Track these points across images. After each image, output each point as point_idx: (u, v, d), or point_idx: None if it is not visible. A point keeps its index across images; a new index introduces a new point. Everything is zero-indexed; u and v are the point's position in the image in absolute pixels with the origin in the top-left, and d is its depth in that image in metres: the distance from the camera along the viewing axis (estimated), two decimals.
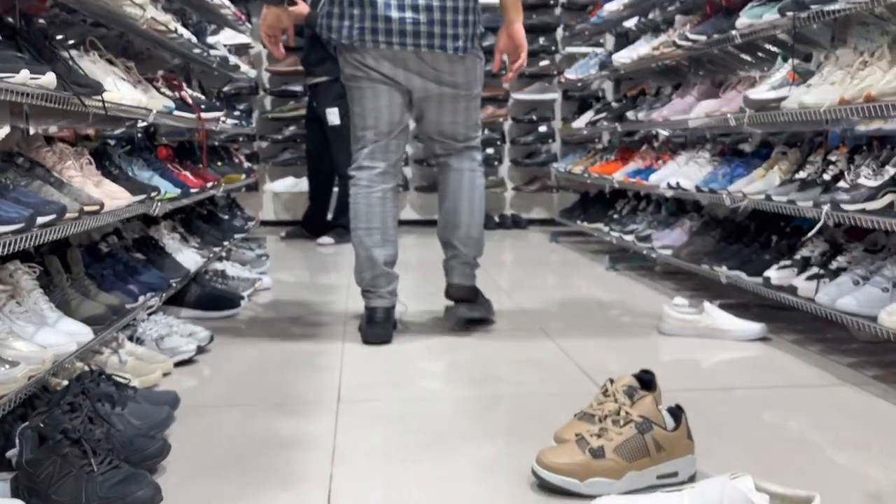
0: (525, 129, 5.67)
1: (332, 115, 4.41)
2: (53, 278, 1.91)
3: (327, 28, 2.36)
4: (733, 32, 2.70)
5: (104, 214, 1.93)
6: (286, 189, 5.42)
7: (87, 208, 1.80)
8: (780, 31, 2.49)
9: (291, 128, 5.35)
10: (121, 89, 2.17)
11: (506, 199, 5.82)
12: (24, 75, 1.49)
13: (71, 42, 3.02)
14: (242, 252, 3.79)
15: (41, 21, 1.84)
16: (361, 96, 2.42)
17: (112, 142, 2.91)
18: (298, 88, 5.26)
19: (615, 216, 3.98)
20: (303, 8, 4.43)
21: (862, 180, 2.13)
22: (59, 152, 1.95)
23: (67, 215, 1.67)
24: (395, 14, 2.28)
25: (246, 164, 4.27)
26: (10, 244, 1.46)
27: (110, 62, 2.37)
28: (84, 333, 1.77)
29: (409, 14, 2.29)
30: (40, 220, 1.55)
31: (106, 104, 1.94)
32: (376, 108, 2.41)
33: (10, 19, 1.76)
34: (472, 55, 2.40)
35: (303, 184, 5.15)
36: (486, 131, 5.55)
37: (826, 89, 2.24)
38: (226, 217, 3.83)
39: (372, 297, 2.45)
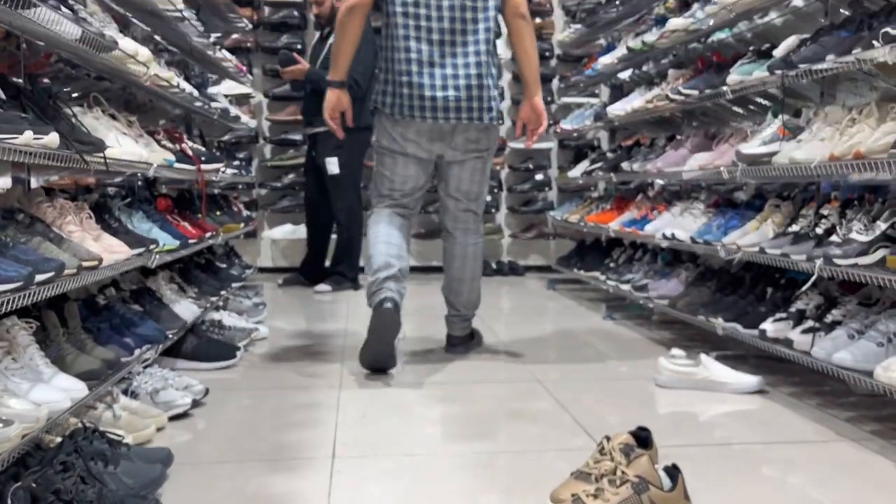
0: (522, 177, 5.74)
1: (332, 165, 4.47)
2: (50, 333, 1.91)
3: (382, 104, 2.77)
4: (724, 88, 2.76)
5: (103, 269, 1.94)
6: (284, 236, 5.45)
7: (85, 264, 1.82)
8: (769, 87, 2.55)
9: (290, 175, 5.41)
10: (122, 144, 2.20)
11: (503, 245, 5.85)
12: (27, 136, 1.52)
13: (75, 96, 3.10)
14: (239, 301, 3.79)
15: (45, 80, 1.87)
16: (394, 164, 2.82)
17: (112, 191, 2.95)
18: (298, 137, 5.34)
19: (612, 265, 4.00)
20: (304, 65, 4.54)
21: (854, 235, 2.16)
22: (60, 207, 1.98)
23: (66, 272, 1.69)
24: (439, 94, 2.69)
25: (245, 213, 4.30)
26: (8, 302, 1.47)
27: (113, 117, 2.42)
28: (79, 389, 1.76)
29: (451, 93, 2.69)
30: (39, 277, 1.56)
31: (107, 160, 1.97)
32: (405, 176, 2.82)
33: (15, 79, 1.80)
34: (497, 124, 2.82)
35: (301, 231, 5.18)
36: None
37: (816, 145, 2.28)
38: (223, 266, 3.85)
39: (381, 292, 2.67)
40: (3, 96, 1.69)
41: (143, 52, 2.28)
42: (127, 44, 2.19)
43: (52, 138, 1.62)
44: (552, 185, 5.75)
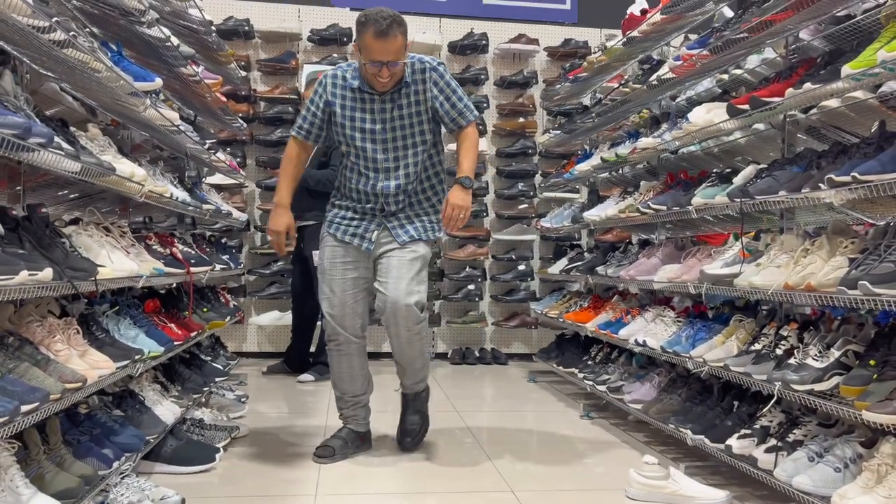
0: (505, 266, 5.87)
1: (317, 257, 4.58)
2: (31, 451, 1.97)
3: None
4: (690, 207, 2.92)
5: (87, 387, 2.01)
6: (271, 322, 5.51)
7: (69, 386, 1.89)
8: (731, 210, 2.70)
9: (279, 263, 5.52)
10: (114, 261, 2.31)
11: (486, 333, 5.94)
12: (22, 276, 1.62)
13: (72, 197, 3.22)
14: (222, 394, 3.83)
15: (43, 210, 1.98)
16: None
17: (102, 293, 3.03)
18: None
19: (589, 362, 4.08)
20: None
21: (810, 361, 2.26)
22: (48, 327, 2.06)
23: (51, 398, 1.76)
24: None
25: (232, 304, 4.38)
26: None
27: (107, 230, 2.53)
28: None
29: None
30: (24, 408, 1.63)
31: (98, 281, 2.07)
32: None
33: (14, 212, 1.91)
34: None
35: (287, 318, 5.25)
36: (468, 268, 5.75)
37: (773, 272, 2.41)
38: (208, 359, 3.90)
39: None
40: (2, 231, 1.80)
41: (139, 173, 2.41)
42: (124, 167, 2.33)
43: (46, 273, 1.72)
44: (534, 276, 5.88)
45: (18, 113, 1.70)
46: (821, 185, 2.15)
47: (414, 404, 3.15)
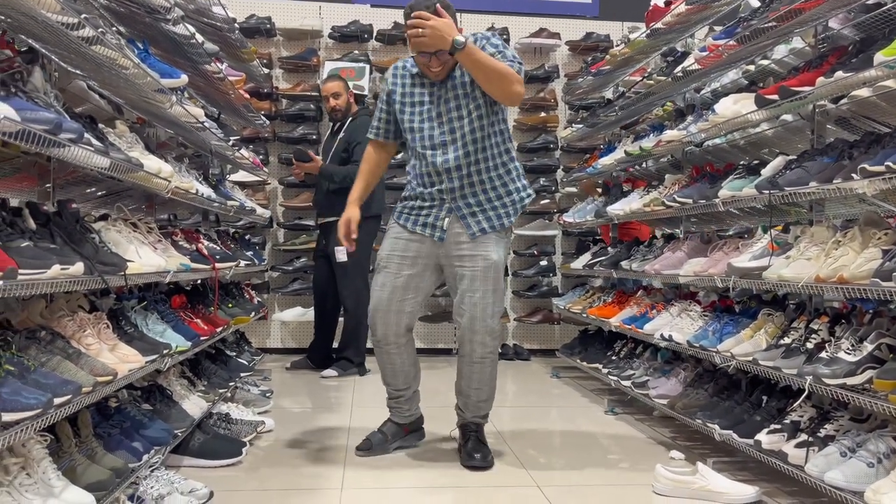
0: (527, 262, 5.85)
1: (340, 253, 4.58)
2: (63, 444, 1.99)
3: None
4: (716, 200, 2.88)
5: (117, 381, 2.03)
6: (294, 318, 5.54)
7: (100, 379, 1.91)
8: (759, 203, 2.66)
9: (302, 259, 5.55)
10: (142, 256, 2.33)
11: (508, 329, 5.92)
12: (54, 270, 1.64)
13: (99, 194, 3.26)
14: (247, 389, 3.86)
15: (73, 206, 2.01)
16: None
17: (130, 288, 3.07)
18: (311, 223, 5.50)
19: (613, 357, 4.05)
20: (318, 162, 4.74)
21: (842, 355, 2.22)
22: (79, 321, 2.09)
23: (83, 391, 1.78)
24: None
25: (256, 300, 4.41)
26: (28, 428, 1.56)
27: (134, 225, 2.56)
28: (87, 503, 1.83)
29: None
30: (57, 401, 1.65)
31: (127, 276, 2.09)
32: None
33: (45, 207, 1.94)
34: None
35: (311, 314, 5.27)
36: None
37: (803, 264, 2.37)
38: (233, 354, 3.93)
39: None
40: (34, 226, 1.82)
41: (166, 169, 2.43)
42: (151, 163, 2.35)
43: (78, 268, 1.74)
44: (556, 271, 5.85)
45: (49, 109, 1.72)
46: (853, 175, 2.11)
47: (477, 435, 2.94)
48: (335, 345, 5.05)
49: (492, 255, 2.82)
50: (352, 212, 2.99)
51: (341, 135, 4.77)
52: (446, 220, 2.84)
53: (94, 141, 1.95)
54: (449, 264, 2.87)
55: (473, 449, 2.87)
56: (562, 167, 5.88)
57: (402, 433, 3.07)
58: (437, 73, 2.78)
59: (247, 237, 4.86)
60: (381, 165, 3.11)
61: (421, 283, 2.91)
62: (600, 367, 4.07)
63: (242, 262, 3.81)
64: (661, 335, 3.27)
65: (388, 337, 2.93)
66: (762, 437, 2.48)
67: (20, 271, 1.54)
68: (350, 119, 4.81)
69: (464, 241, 2.82)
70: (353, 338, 4.83)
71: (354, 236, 2.99)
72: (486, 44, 2.77)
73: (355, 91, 5.21)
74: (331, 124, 4.99)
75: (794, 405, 2.46)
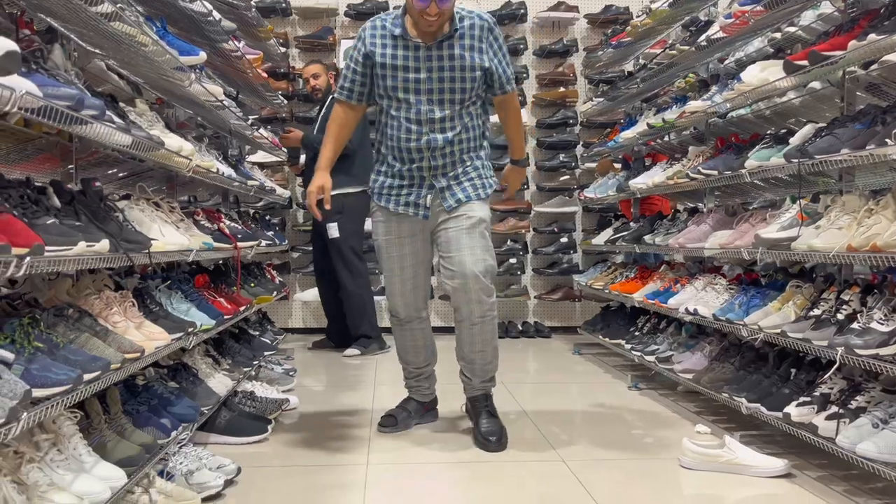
0: (547, 239, 5.81)
1: (332, 230, 4.55)
2: (93, 420, 2.01)
3: None
4: (743, 171, 2.83)
5: (145, 358, 2.04)
6: (315, 298, 5.54)
7: (128, 356, 1.92)
8: (787, 172, 2.61)
9: None
10: (165, 235, 2.33)
11: (529, 307, 5.90)
12: (80, 247, 1.64)
13: (121, 175, 3.27)
14: (271, 367, 3.88)
15: (97, 184, 2.01)
16: None
17: (153, 268, 3.09)
18: None
19: (636, 333, 4.02)
20: (297, 133, 4.73)
21: (874, 325, 2.18)
22: (105, 299, 2.10)
23: (111, 367, 1.79)
24: None
25: (278, 280, 4.42)
26: (59, 404, 1.57)
27: (157, 205, 2.56)
28: (118, 478, 1.85)
29: None
30: (87, 377, 1.66)
31: (152, 255, 2.10)
32: None
33: (69, 186, 1.94)
34: None
35: None
36: (509, 242, 5.71)
37: (834, 234, 2.32)
38: (256, 334, 3.95)
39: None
40: (59, 204, 1.82)
41: (187, 147, 2.43)
42: (172, 142, 2.34)
43: (103, 245, 1.74)
44: (577, 248, 5.81)
45: (71, 85, 1.71)
46: (888, 140, 2.05)
47: (487, 407, 2.88)
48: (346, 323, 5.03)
49: (476, 213, 2.78)
50: (321, 179, 2.84)
51: (322, 111, 4.79)
52: (428, 197, 2.80)
53: (116, 118, 1.94)
54: (436, 235, 2.84)
55: (488, 431, 2.78)
56: (581, 143, 5.82)
57: (422, 411, 3.08)
58: (432, 24, 2.60)
59: (266, 218, 4.87)
60: (350, 127, 2.93)
61: (424, 255, 2.91)
62: (623, 342, 4.04)
63: (263, 242, 3.82)
64: (686, 309, 3.24)
65: (410, 315, 2.95)
66: (791, 409, 2.44)
67: (47, 248, 1.54)
68: (331, 97, 4.81)
69: (446, 212, 2.81)
70: (361, 314, 4.78)
71: (328, 206, 2.87)
72: (493, 39, 2.73)
73: None
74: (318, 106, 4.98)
75: (825, 377, 2.42)
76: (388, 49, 2.70)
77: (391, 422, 2.99)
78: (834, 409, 2.34)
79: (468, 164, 2.82)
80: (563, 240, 5.69)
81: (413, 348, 3.02)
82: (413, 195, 2.81)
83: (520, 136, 3.00)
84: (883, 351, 2.11)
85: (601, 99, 4.91)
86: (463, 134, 2.77)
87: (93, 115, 1.70)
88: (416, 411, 3.06)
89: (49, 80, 1.62)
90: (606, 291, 4.39)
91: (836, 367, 2.24)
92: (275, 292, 4.02)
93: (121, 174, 3.32)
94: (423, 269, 2.93)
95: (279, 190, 4.37)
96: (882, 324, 2.16)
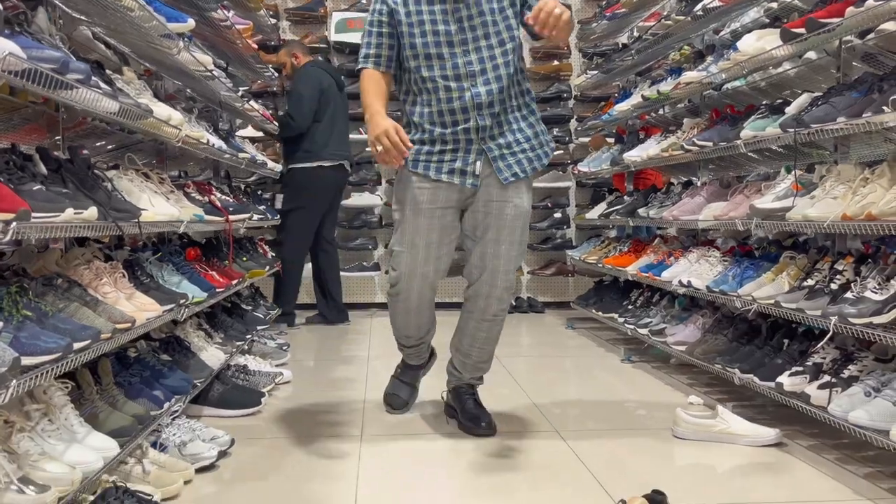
0: (541, 214, 5.79)
1: (278, 201, 4.68)
2: (84, 391, 2.00)
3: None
4: (738, 142, 2.81)
5: (136, 328, 2.02)
6: (307, 273, 5.52)
7: (119, 326, 1.90)
8: (782, 143, 2.59)
9: None
10: (155, 205, 2.30)
11: (522, 282, 5.90)
12: (68, 213, 1.61)
13: (109, 148, 3.23)
14: (264, 342, 3.87)
15: (84, 151, 1.97)
16: None
17: (144, 241, 3.06)
18: None
19: (629, 307, 4.02)
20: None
21: (868, 294, 2.18)
22: (95, 269, 2.07)
23: (102, 337, 1.77)
24: None
25: (270, 255, 4.40)
26: (49, 372, 1.55)
27: (146, 176, 2.53)
28: (111, 448, 1.84)
29: None
30: (77, 345, 1.64)
31: (141, 224, 2.07)
32: None
33: (56, 153, 1.90)
34: None
35: None
36: None
37: (829, 203, 2.32)
38: (249, 308, 3.94)
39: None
40: (45, 171, 1.79)
41: (176, 117, 2.39)
42: (161, 110, 2.30)
43: (92, 212, 1.72)
44: (570, 223, 5.80)
45: (55, 49, 1.67)
46: (884, 108, 2.04)
47: (473, 396, 2.72)
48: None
49: (524, 204, 2.55)
50: (384, 121, 2.37)
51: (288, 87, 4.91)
52: (478, 163, 2.47)
53: (103, 84, 1.90)
54: (474, 210, 2.53)
55: (477, 415, 2.65)
56: (576, 117, 5.78)
57: (419, 373, 2.96)
58: None
59: (258, 192, 4.83)
60: (387, 88, 2.57)
61: (453, 233, 2.57)
62: (616, 316, 4.05)
63: (255, 216, 3.79)
64: (680, 281, 3.24)
65: (422, 298, 2.61)
66: (784, 379, 2.45)
67: (34, 214, 1.51)
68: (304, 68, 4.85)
69: (494, 186, 2.50)
70: (286, 289, 4.82)
71: (410, 145, 2.39)
72: None
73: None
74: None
75: (817, 347, 2.43)
76: (411, 6, 2.47)
77: (400, 402, 2.86)
78: (826, 378, 2.35)
79: (521, 122, 2.53)
80: (557, 215, 5.68)
81: (416, 326, 2.72)
82: (459, 161, 2.47)
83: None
84: (876, 319, 2.11)
85: (595, 72, 4.87)
86: (509, 89, 2.48)
87: (78, 80, 1.66)
88: (414, 377, 2.93)
89: (33, 43, 1.58)
90: (600, 265, 4.39)
91: (829, 336, 2.25)
92: (267, 267, 3.99)
93: (109, 146, 3.27)
94: (449, 248, 2.59)
95: (271, 164, 4.32)
96: (876, 293, 2.16)
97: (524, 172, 2.52)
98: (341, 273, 5.48)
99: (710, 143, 3.05)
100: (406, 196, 2.54)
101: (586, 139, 5.63)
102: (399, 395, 2.90)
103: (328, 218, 4.95)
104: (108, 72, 2.22)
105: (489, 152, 2.48)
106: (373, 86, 2.51)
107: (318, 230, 4.97)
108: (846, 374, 2.33)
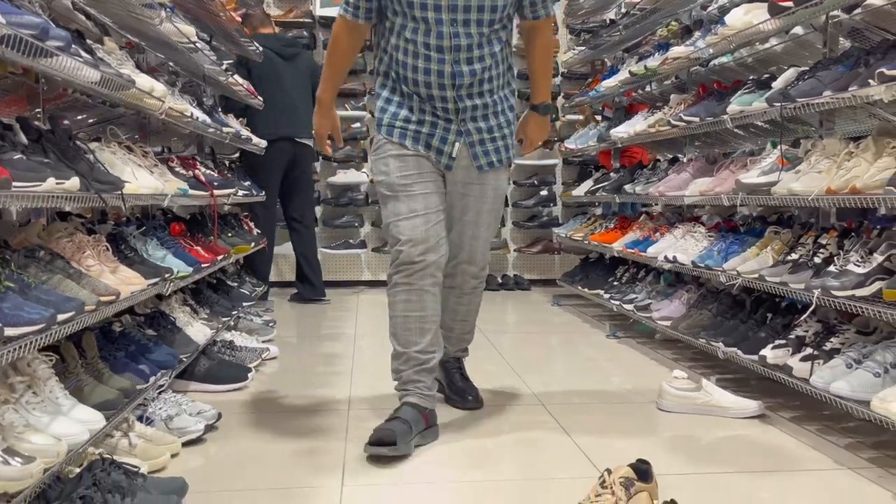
0: (527, 192, 5.79)
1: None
2: (69, 364, 1.98)
3: None
4: (724, 117, 2.81)
5: (120, 301, 2.01)
6: (292, 251, 5.51)
7: (103, 299, 1.88)
8: (768, 117, 2.60)
9: None
10: (138, 178, 2.27)
11: (508, 260, 5.91)
12: (49, 183, 1.59)
13: (91, 122, 3.18)
14: (250, 318, 3.86)
15: (66, 122, 1.94)
16: None
17: (127, 216, 3.02)
18: None
19: (615, 283, 4.05)
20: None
21: (851, 267, 2.20)
22: (78, 242, 2.04)
23: (86, 309, 1.75)
24: None
25: (255, 232, 4.37)
26: (32, 343, 1.53)
27: (129, 149, 2.49)
28: (96, 421, 1.83)
29: None
30: (61, 317, 1.63)
31: (125, 196, 2.04)
32: None
33: (36, 123, 1.87)
34: None
35: None
36: None
37: (814, 177, 2.33)
38: (234, 285, 3.92)
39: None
40: (26, 141, 1.76)
41: (159, 88, 2.35)
42: (143, 81, 2.26)
43: (73, 183, 1.69)
44: (556, 201, 5.80)
45: (35, 14, 1.63)
46: (870, 81, 2.04)
47: (460, 370, 2.71)
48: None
49: (502, 186, 2.50)
50: (326, 115, 2.46)
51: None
52: (456, 145, 2.34)
53: (83, 53, 1.86)
54: (453, 191, 2.42)
55: (464, 388, 2.66)
56: (562, 94, 5.76)
57: (423, 422, 2.28)
58: None
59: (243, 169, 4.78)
60: (352, 56, 2.48)
61: (443, 200, 2.41)
62: (602, 292, 4.07)
63: (240, 191, 3.76)
64: (666, 257, 3.26)
65: (428, 268, 2.32)
66: (767, 352, 2.48)
67: (14, 183, 1.49)
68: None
69: (473, 169, 2.39)
70: (256, 266, 4.74)
71: (340, 144, 2.58)
72: None
73: None
74: None
75: (800, 320, 2.46)
76: None
77: (389, 438, 2.12)
78: (809, 350, 2.38)
79: (503, 104, 2.41)
80: (543, 193, 5.68)
81: (419, 322, 2.34)
82: (437, 138, 2.34)
83: (547, 75, 2.53)
84: (859, 292, 2.14)
85: (583, 48, 4.85)
86: (493, 68, 2.33)
87: (58, 47, 1.62)
88: (416, 423, 2.24)
89: (11, 8, 1.54)
90: (586, 242, 4.41)
91: (811, 308, 2.27)
92: (252, 243, 3.97)
93: (90, 120, 3.22)
94: (445, 216, 2.41)
95: (255, 139, 4.28)
96: (858, 266, 2.19)
97: (501, 162, 2.43)
98: (326, 250, 5.48)
99: (697, 119, 3.05)
100: (388, 166, 2.37)
101: (573, 116, 5.63)
102: (389, 429, 2.16)
103: (294, 196, 4.91)
104: (88, 42, 2.17)
105: (467, 136, 2.35)
106: (336, 59, 2.43)
107: (285, 210, 4.94)
108: (828, 346, 2.36)
